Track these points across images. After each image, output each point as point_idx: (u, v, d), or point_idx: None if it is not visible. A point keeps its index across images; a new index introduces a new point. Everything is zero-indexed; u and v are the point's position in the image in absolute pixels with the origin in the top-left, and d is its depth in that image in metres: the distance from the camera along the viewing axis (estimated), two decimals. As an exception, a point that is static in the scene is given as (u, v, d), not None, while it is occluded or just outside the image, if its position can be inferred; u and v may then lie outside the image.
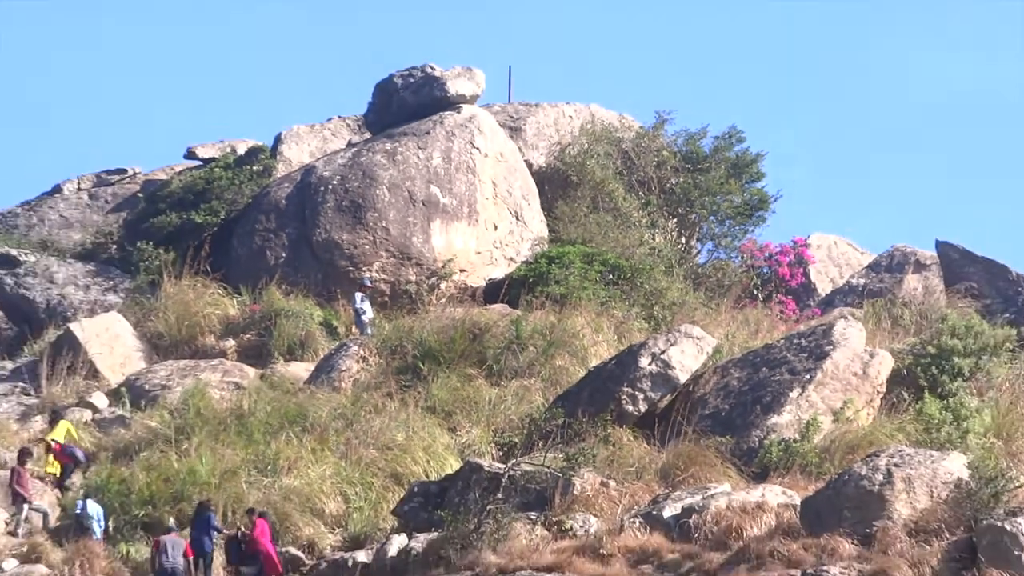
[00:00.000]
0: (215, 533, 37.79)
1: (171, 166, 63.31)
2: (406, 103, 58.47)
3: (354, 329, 51.05)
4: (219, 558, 38.35)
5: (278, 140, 60.45)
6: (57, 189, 63.48)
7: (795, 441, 38.70)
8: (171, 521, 38.26)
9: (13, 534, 40.78)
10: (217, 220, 56.23)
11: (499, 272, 54.51)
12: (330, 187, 55.60)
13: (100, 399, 47.08)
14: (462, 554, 35.40)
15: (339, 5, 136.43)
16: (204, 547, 37.59)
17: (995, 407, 39.77)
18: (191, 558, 37.13)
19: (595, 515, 36.60)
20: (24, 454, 42.34)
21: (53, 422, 44.94)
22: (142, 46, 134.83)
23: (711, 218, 58.05)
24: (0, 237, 59.14)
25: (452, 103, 58.00)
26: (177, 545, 36.30)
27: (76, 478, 42.66)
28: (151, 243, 55.54)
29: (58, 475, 42.95)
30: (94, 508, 39.87)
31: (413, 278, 53.53)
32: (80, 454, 43.18)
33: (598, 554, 35.00)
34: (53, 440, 43.87)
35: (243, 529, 37.53)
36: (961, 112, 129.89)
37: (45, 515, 41.02)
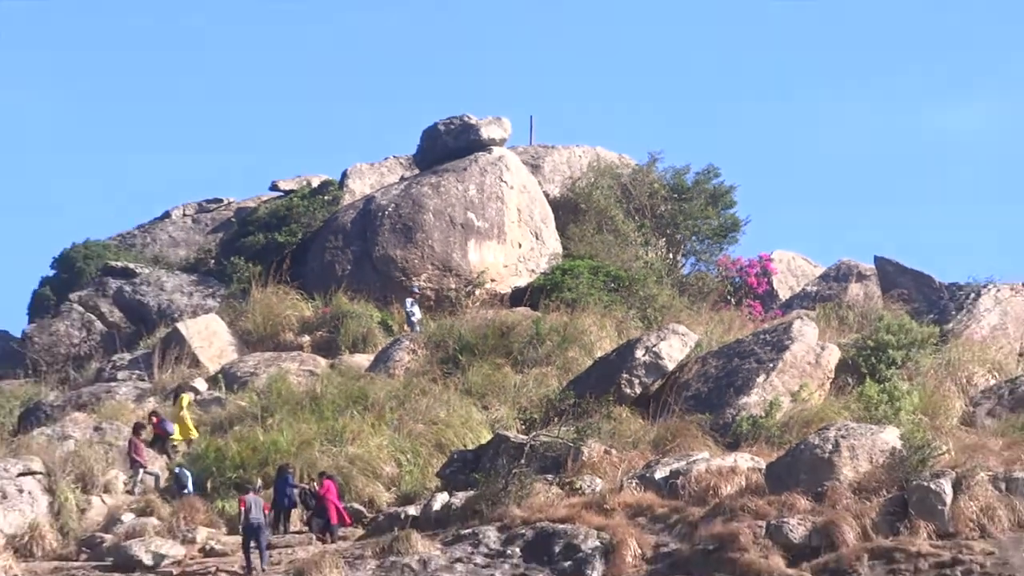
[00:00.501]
0: (292, 490, 38.22)
1: (258, 196, 63.62)
2: (447, 145, 58.69)
3: (405, 327, 51.25)
4: (296, 512, 38.79)
5: (344, 175, 60.68)
6: (166, 215, 63.89)
7: (761, 417, 39.14)
8: (258, 483, 38.69)
9: (130, 493, 41.01)
10: (295, 240, 56.58)
11: (522, 281, 54.66)
12: (386, 213, 55.88)
13: (201, 384, 47.29)
14: (492, 508, 35.87)
15: (393, 66, 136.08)
16: (283, 502, 38.10)
17: (922, 390, 39.88)
18: (269, 512, 37.45)
19: (600, 477, 37.04)
20: (138, 427, 42.49)
21: (176, 397, 45.31)
22: (239, 96, 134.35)
23: (693, 238, 58.13)
24: (121, 253, 59.54)
25: (485, 145, 58.20)
26: (258, 503, 36.20)
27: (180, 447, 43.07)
28: (242, 258, 55.84)
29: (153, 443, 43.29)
30: (185, 473, 40.60)
31: (453, 286, 53.81)
32: (169, 427, 43.48)
33: (602, 508, 35.38)
34: (154, 415, 44.33)
35: (315, 487, 37.95)
36: (891, 152, 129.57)
37: (156, 477, 41.27)
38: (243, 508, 36.17)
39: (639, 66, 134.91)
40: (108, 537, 38.03)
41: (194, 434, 42.99)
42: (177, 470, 40.85)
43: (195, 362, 49.50)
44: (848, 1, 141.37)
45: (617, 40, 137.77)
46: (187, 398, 44.64)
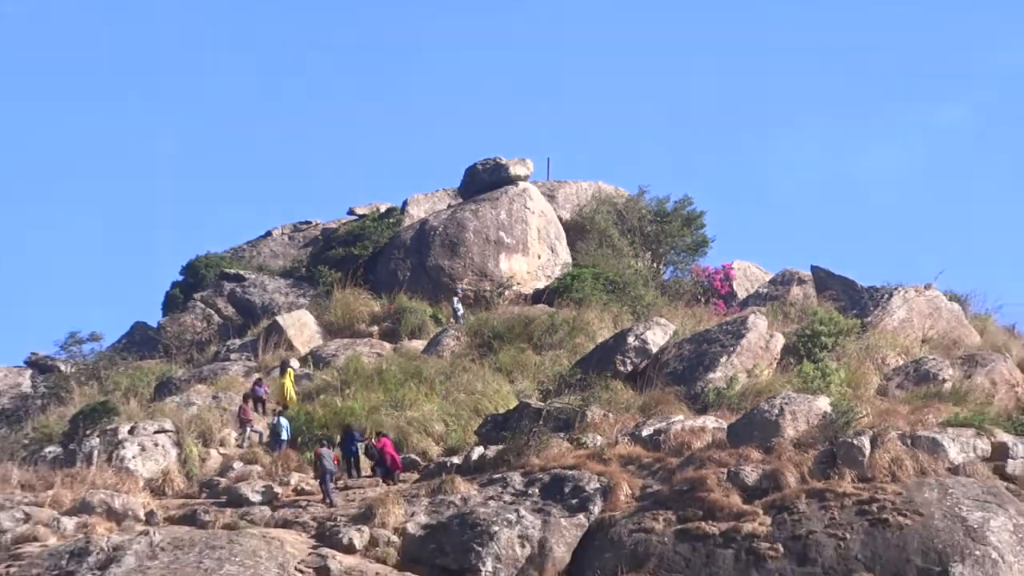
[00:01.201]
0: (357, 445, 38.22)
1: (339, 219, 63.82)
2: (484, 180, 58.91)
3: (451, 320, 51.40)
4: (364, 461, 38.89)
5: (405, 203, 60.79)
6: (268, 233, 64.16)
7: (723, 389, 39.25)
8: (337, 438, 38.89)
9: (240, 446, 41.27)
10: (367, 253, 56.75)
11: (541, 285, 54.73)
12: (437, 232, 56.06)
13: (295, 363, 47.38)
14: (517, 458, 35.98)
15: (444, 116, 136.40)
16: (350, 454, 38.21)
17: (847, 368, 39.85)
18: (339, 462, 37.66)
19: (600, 434, 37.08)
20: (246, 397, 43.01)
21: (283, 370, 45.30)
22: (327, 143, 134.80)
23: (672, 252, 58.27)
24: (233, 263, 59.86)
25: (512, 180, 58.39)
26: (327, 455, 36.43)
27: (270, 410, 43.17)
28: (326, 267, 56.06)
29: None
30: (284, 422, 40.63)
31: (488, 288, 53.94)
32: (262, 391, 43.80)
33: (602, 458, 35.45)
34: (259, 383, 44.78)
35: (374, 442, 38.06)
36: (826, 184, 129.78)
37: (260, 434, 41.44)
38: (316, 457, 36.70)
39: (632, 118, 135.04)
40: (223, 480, 38.20)
41: (292, 399, 43.07)
42: (274, 421, 41.01)
43: (290, 346, 49.73)
44: (797, 68, 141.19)
45: (614, 99, 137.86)
46: (292, 372, 44.85)
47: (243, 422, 41.84)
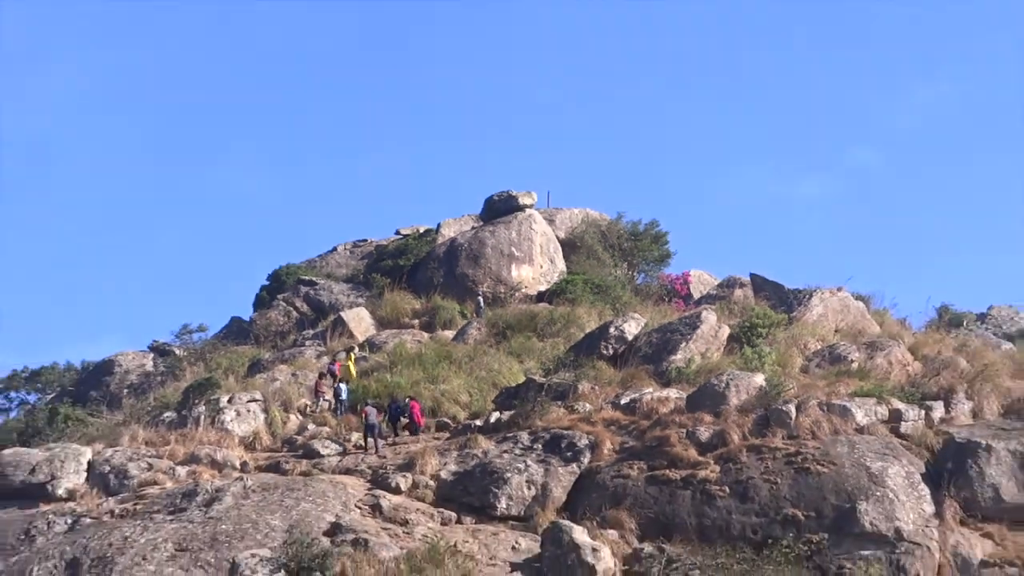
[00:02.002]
0: (399, 408, 38.12)
1: (388, 237, 63.76)
2: (499, 208, 58.75)
3: (474, 315, 51.36)
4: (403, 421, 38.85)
5: (439, 225, 60.66)
6: (334, 249, 64.08)
7: (683, 367, 38.97)
8: (385, 404, 38.78)
9: (313, 412, 41.23)
10: (410, 264, 56.69)
11: (543, 288, 54.65)
12: (463, 247, 55.97)
13: (355, 348, 47.43)
14: (525, 421, 35.89)
15: (471, 157, 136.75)
16: (395, 415, 38.05)
17: (777, 351, 39.65)
18: (383, 418, 37.64)
19: (588, 403, 36.86)
20: (321, 374, 42.92)
21: (348, 353, 45.27)
22: (375, 175, 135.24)
23: (643, 262, 58.10)
24: (308, 271, 59.76)
25: (521, 208, 58.28)
26: (371, 412, 36.69)
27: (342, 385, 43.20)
28: (379, 274, 56.02)
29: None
30: (343, 388, 40.83)
31: (502, 291, 53.80)
32: (335, 368, 43.58)
33: (590, 421, 35.38)
34: (333, 361, 44.95)
35: (407, 402, 38.18)
36: (763, 207, 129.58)
37: (329, 403, 41.40)
38: (364, 414, 36.96)
39: (613, 158, 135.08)
40: (300, 438, 38.24)
41: (354, 375, 43.04)
42: (337, 387, 41.13)
43: (351, 336, 49.64)
44: (745, 115, 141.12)
45: (599, 143, 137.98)
46: (354, 355, 44.91)
47: (317, 393, 41.86)
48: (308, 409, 41.49)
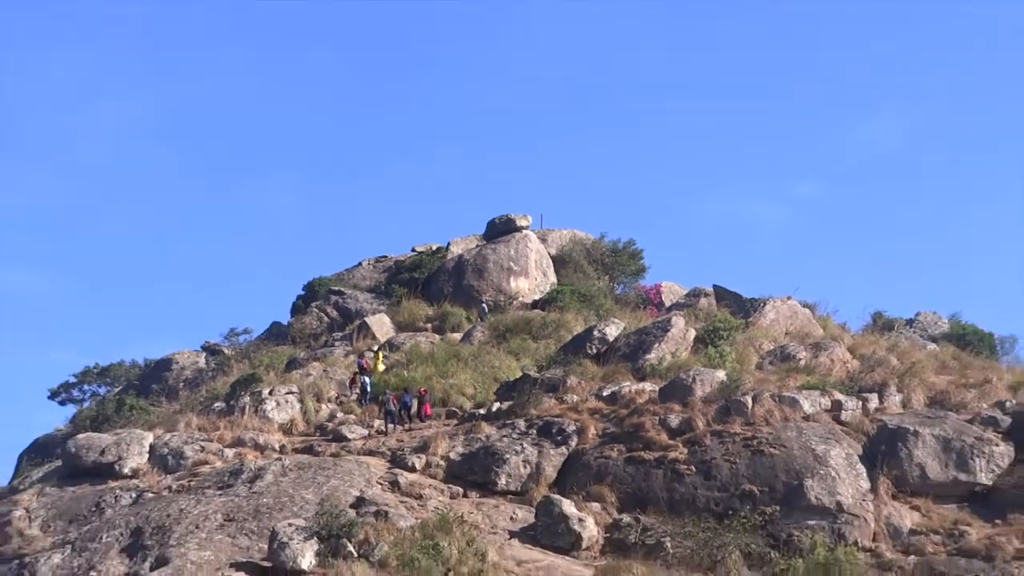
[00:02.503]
0: (410, 398, 37.89)
1: (405, 254, 63.45)
2: (500, 229, 58.52)
3: (479, 320, 51.09)
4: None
5: (449, 244, 60.55)
6: (360, 264, 63.89)
7: (656, 364, 38.83)
8: (403, 394, 38.59)
9: (344, 401, 41.14)
10: (424, 276, 56.48)
11: (537, 297, 54.33)
12: (469, 262, 55.79)
13: (375, 348, 47.20)
14: (522, 410, 35.64)
15: (475, 184, 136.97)
16: (406, 405, 37.80)
17: (736, 351, 39.59)
18: (397, 404, 37.41)
19: (575, 394, 36.69)
20: (354, 374, 42.26)
21: (376, 352, 45.04)
22: (395, 201, 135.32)
23: (622, 275, 57.82)
24: (338, 283, 59.51)
25: (518, 228, 58.07)
26: (389, 400, 37.00)
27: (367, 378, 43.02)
28: (398, 285, 55.87)
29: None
30: (367, 380, 40.48)
31: (503, 300, 53.57)
32: (364, 363, 43.11)
33: (577, 410, 35.21)
34: (362, 357, 44.59)
35: (420, 391, 38.21)
36: (725, 228, 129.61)
37: (356, 395, 41.33)
38: (386, 403, 37.18)
39: (597, 186, 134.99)
40: (330, 424, 38.13)
41: (379, 369, 42.87)
42: (362, 380, 40.78)
43: (373, 338, 49.40)
44: (708, 148, 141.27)
45: (585, 172, 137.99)
46: (381, 354, 44.72)
47: (351, 385, 41.55)
48: (339, 399, 41.28)
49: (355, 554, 26.52)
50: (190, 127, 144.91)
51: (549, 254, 59.36)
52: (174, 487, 32.69)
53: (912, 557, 29.03)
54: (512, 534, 29.56)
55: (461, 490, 32.21)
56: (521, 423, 34.79)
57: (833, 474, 30.31)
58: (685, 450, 31.66)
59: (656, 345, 40.22)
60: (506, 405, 36.78)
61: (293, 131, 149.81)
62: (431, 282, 56.37)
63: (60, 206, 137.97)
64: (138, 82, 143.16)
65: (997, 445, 31.78)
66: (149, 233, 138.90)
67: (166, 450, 35.10)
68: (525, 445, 33.37)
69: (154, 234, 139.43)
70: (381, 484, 32.03)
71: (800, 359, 39.05)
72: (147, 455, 35.04)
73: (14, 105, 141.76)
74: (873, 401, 34.65)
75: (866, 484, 30.52)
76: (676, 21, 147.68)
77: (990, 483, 31.03)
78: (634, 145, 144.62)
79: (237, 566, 26.84)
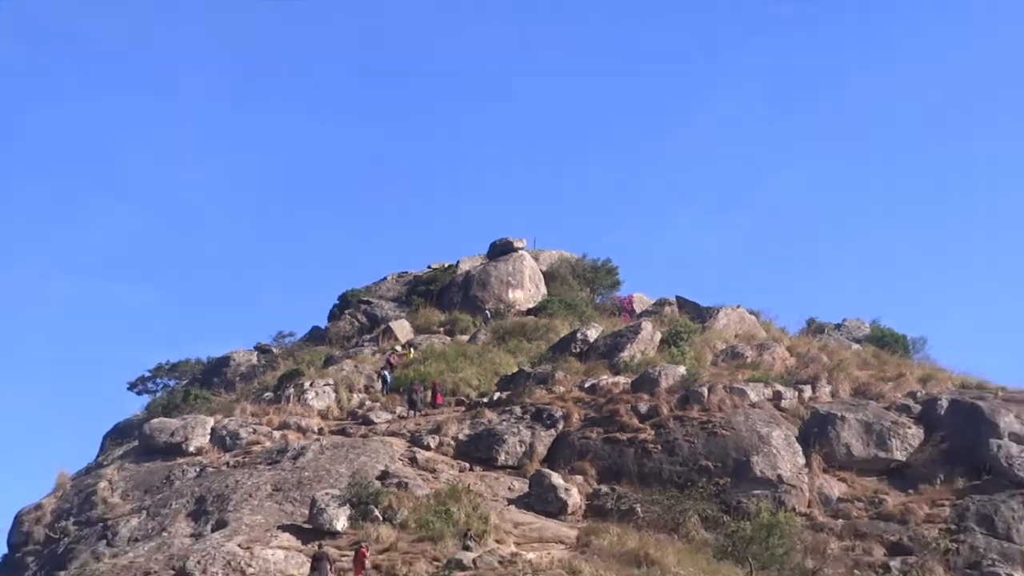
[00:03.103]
0: (422, 388, 37.54)
1: (422, 270, 62.52)
2: (500, 249, 57.42)
3: (483, 325, 50.44)
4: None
5: (458, 262, 59.98)
6: (385, 278, 63.27)
7: (629, 361, 38.52)
8: (420, 386, 38.20)
9: (371, 390, 40.95)
10: (437, 288, 55.71)
11: (531, 305, 53.72)
12: (476, 277, 55.08)
13: (398, 347, 46.98)
14: (518, 398, 35.45)
15: (482, 211, 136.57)
16: (415, 392, 37.08)
17: (695, 350, 39.46)
18: (419, 393, 37.03)
19: (562, 386, 36.45)
20: (381, 369, 41.54)
21: (406, 347, 44.75)
22: (414, 226, 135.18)
23: (601, 287, 57.22)
24: (366, 294, 58.77)
25: (515, 249, 57.15)
26: (412, 388, 36.91)
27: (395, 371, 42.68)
28: (417, 296, 55.33)
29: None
30: (389, 376, 40.04)
31: (502, 308, 52.90)
32: (391, 358, 42.77)
33: (563, 398, 35.10)
34: (392, 353, 43.80)
35: (435, 381, 37.98)
36: (680, 254, 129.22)
37: (379, 384, 41.00)
38: (406, 392, 37.10)
39: (579, 214, 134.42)
40: (359, 411, 37.89)
41: (411, 358, 42.34)
42: (383, 373, 40.37)
43: (396, 339, 48.81)
44: (665, 186, 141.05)
45: (569, 202, 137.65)
46: (412, 350, 44.15)
47: (379, 376, 40.89)
48: (367, 389, 41.02)
49: (380, 518, 26.48)
50: (250, 174, 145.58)
51: (541, 270, 58.83)
52: (231, 463, 32.56)
53: (840, 520, 29.10)
54: (510, 501, 29.46)
55: (468, 465, 32.07)
56: (517, 409, 34.61)
57: (774, 452, 30.27)
58: (652, 432, 31.56)
59: (628, 345, 39.94)
60: (505, 395, 36.60)
61: (333, 172, 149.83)
62: (443, 293, 55.93)
63: (144, 234, 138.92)
64: (214, 135, 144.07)
65: (910, 428, 31.84)
66: (213, 255, 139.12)
67: (224, 432, 34.98)
68: (520, 428, 33.25)
69: (216, 255, 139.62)
70: (402, 460, 31.91)
71: (747, 357, 38.92)
72: (209, 436, 34.93)
73: (117, 153, 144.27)
74: (807, 392, 34.61)
75: (801, 460, 30.49)
76: (657, 92, 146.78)
77: (904, 459, 31.07)
78: (612, 182, 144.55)
79: (283, 528, 26.78)
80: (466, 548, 24.34)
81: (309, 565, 23.67)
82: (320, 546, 24.28)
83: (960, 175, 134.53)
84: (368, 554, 23.54)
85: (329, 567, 23.15)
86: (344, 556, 24.47)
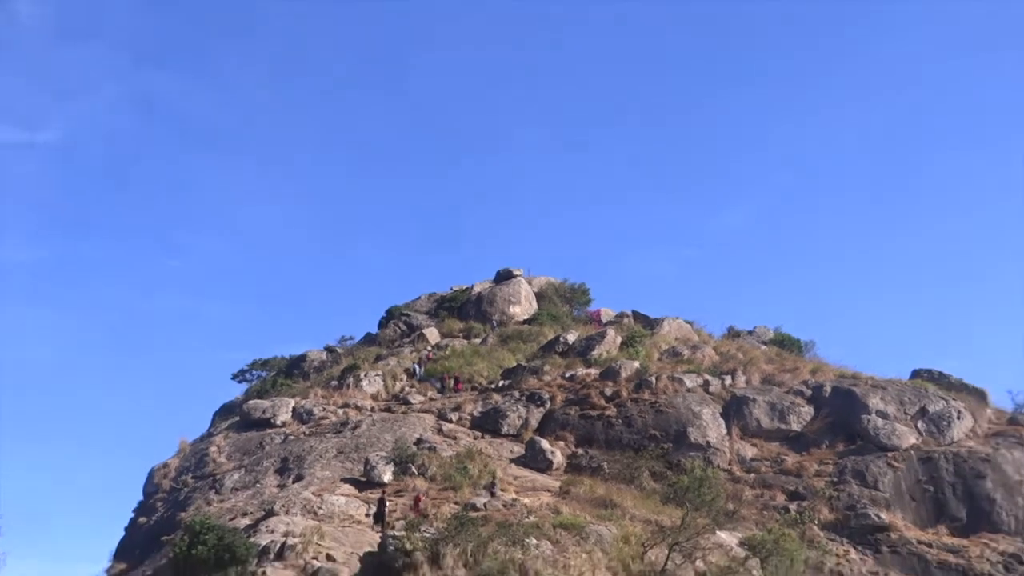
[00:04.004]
0: (449, 378, 37.21)
1: (443, 291, 62.07)
2: (503, 275, 56.42)
3: (490, 332, 50.24)
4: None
5: (473, 285, 59.65)
6: (419, 297, 62.83)
7: (598, 357, 38.25)
8: (446, 376, 38.11)
9: (410, 376, 40.33)
10: (458, 304, 55.32)
11: (526, 317, 53.37)
12: (486, 296, 54.40)
13: (428, 348, 46.82)
14: (517, 385, 35.38)
15: (487, 245, 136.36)
16: (444, 381, 36.82)
17: (646, 349, 39.29)
18: (447, 383, 36.78)
19: (549, 376, 36.28)
20: (416, 364, 40.94)
21: (436, 348, 44.23)
22: (441, 258, 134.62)
23: (577, 304, 56.83)
24: (407, 308, 58.05)
25: (514, 276, 56.78)
26: (443, 377, 36.52)
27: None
28: (443, 310, 54.93)
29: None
30: (419, 369, 39.66)
31: (505, 319, 52.78)
32: (426, 354, 42.02)
33: (550, 385, 35.04)
34: (425, 353, 43.28)
35: (454, 376, 37.46)
36: (643, 274, 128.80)
37: (412, 374, 40.90)
38: (441, 379, 36.49)
39: (560, 247, 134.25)
40: (401, 394, 37.46)
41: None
42: (414, 367, 39.82)
43: (427, 342, 48.81)
44: (633, 220, 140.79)
45: (552, 238, 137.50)
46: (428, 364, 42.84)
47: (415, 372, 40.54)
48: (406, 378, 40.96)
49: (416, 472, 26.65)
50: (319, 210, 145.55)
51: (533, 291, 58.68)
52: (307, 432, 32.62)
53: (752, 475, 29.20)
54: (511, 460, 29.58)
55: (480, 434, 32.10)
56: (516, 393, 34.75)
57: (705, 424, 30.42)
58: (615, 410, 31.72)
59: (597, 346, 39.86)
60: (507, 382, 36.67)
61: (383, 217, 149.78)
62: (462, 308, 55.66)
63: (231, 259, 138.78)
64: (286, 174, 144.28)
65: (803, 407, 31.97)
66: (292, 278, 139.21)
67: (302, 410, 35.03)
68: (519, 407, 33.38)
69: (294, 279, 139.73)
70: (432, 430, 31.98)
71: (684, 355, 38.97)
72: (291, 413, 34.95)
73: (202, 193, 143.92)
74: (728, 380, 34.63)
75: (724, 430, 30.63)
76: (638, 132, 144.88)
77: (799, 430, 31.19)
78: (587, 223, 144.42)
79: (345, 480, 26.91)
80: (492, 495, 24.52)
81: (376, 505, 23.87)
82: (383, 492, 24.57)
83: (833, 225, 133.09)
84: (423, 499, 23.78)
85: (386, 506, 23.58)
86: (390, 500, 24.55)
